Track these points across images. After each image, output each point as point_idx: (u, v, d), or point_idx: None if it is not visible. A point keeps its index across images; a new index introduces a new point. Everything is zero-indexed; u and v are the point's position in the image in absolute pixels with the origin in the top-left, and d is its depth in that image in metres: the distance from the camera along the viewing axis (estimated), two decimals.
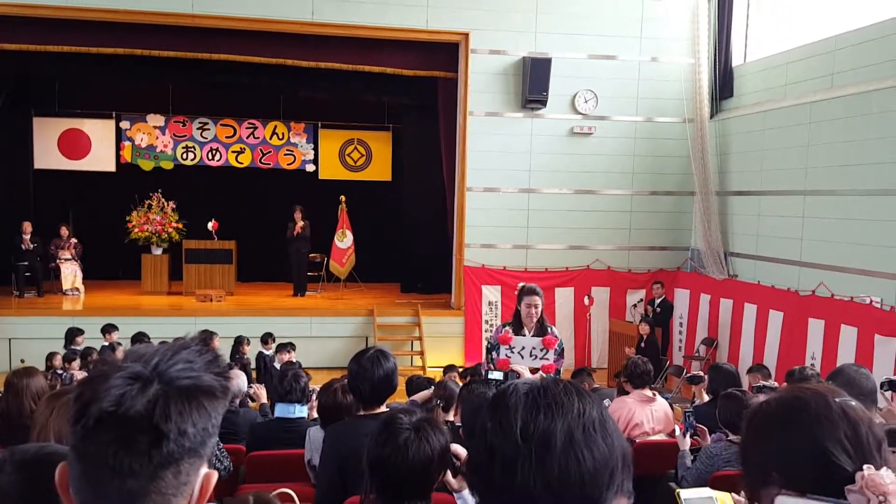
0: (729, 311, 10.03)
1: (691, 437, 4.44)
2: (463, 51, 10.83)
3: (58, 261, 12.12)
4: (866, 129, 7.96)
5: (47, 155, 13.28)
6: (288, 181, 13.98)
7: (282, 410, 4.37)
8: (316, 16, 10.34)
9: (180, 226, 12.77)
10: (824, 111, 8.62)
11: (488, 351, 5.28)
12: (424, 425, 2.23)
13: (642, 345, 9.42)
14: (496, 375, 4.42)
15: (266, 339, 8.83)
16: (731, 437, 4.06)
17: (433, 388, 4.98)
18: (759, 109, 9.93)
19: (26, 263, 11.74)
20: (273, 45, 10.61)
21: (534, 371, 5.03)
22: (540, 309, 5.17)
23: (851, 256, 8.13)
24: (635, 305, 11.21)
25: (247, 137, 13.68)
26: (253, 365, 8.76)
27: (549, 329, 5.24)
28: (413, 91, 12.04)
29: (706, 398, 5.67)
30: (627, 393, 5.20)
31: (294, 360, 8.01)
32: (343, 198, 13.14)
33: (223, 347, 8.53)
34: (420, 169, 12.85)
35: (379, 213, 14.06)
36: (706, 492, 2.55)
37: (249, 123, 13.69)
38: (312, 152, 13.96)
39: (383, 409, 3.06)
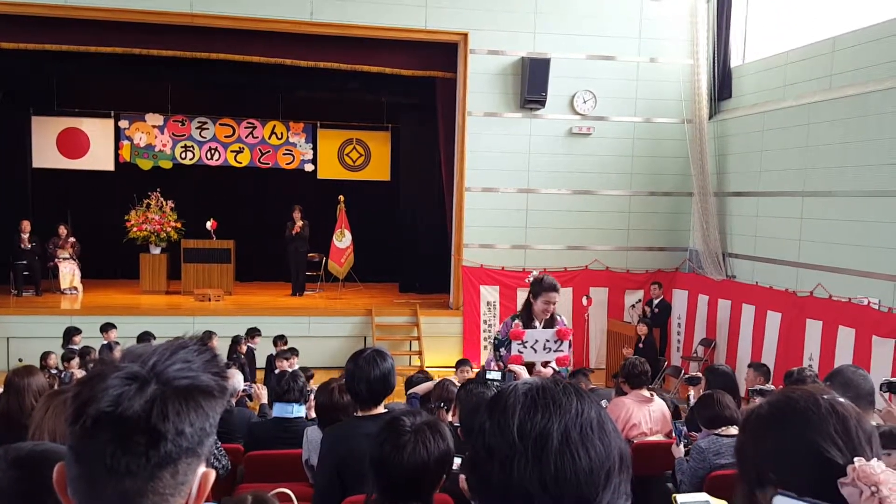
0: (727, 311, 10.04)
1: (685, 446, 4.48)
2: (462, 51, 10.83)
3: (56, 260, 12.12)
4: (864, 130, 7.97)
5: (46, 154, 13.27)
6: (287, 181, 13.99)
7: (280, 410, 4.38)
8: (315, 16, 10.34)
9: (179, 225, 12.78)
10: (823, 112, 8.63)
11: (496, 347, 4.95)
12: (424, 428, 2.23)
13: (640, 345, 9.43)
14: (494, 375, 4.41)
15: (276, 341, 8.82)
16: (716, 430, 4.16)
17: (435, 386, 4.97)
18: (758, 110, 9.94)
19: (24, 262, 11.74)
20: (272, 45, 10.61)
21: (546, 364, 4.81)
22: (556, 306, 4.87)
23: (849, 258, 8.14)
24: (633, 306, 11.22)
25: (246, 137, 13.69)
26: (261, 364, 8.78)
27: (558, 318, 4.95)
28: (412, 91, 12.05)
29: None
30: (625, 393, 5.21)
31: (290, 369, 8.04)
32: (342, 197, 13.14)
33: (221, 347, 8.56)
34: (419, 169, 12.86)
35: (377, 213, 14.07)
36: (703, 496, 2.56)
37: (248, 123, 13.69)
38: (311, 152, 13.97)
39: (381, 409, 3.06)
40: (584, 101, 11.04)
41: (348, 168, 14.24)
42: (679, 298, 11.06)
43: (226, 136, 13.64)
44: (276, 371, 7.73)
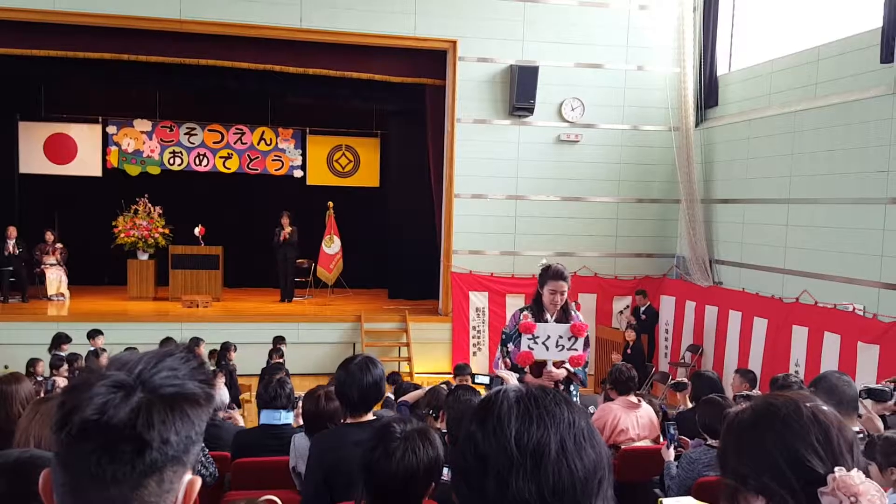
0: (714, 317, 10.10)
1: (675, 448, 4.48)
2: (451, 58, 10.87)
3: (43, 266, 12.04)
4: (849, 138, 8.05)
5: (33, 159, 13.20)
6: (275, 187, 13.97)
7: (267, 417, 4.36)
8: (304, 22, 10.36)
9: (167, 231, 12.74)
10: (808, 120, 8.72)
11: (503, 343, 4.53)
12: (414, 435, 2.24)
13: (628, 351, 9.47)
14: (483, 380, 4.43)
15: (276, 342, 8.88)
16: (710, 441, 4.11)
17: (426, 393, 4.96)
18: (744, 118, 10.02)
19: (11, 269, 11.65)
20: (261, 51, 10.62)
21: (559, 364, 4.37)
22: (566, 296, 4.45)
23: (834, 264, 8.21)
24: (621, 312, 11.27)
25: (234, 143, 13.67)
26: (242, 371, 8.73)
27: (573, 313, 4.52)
28: (401, 97, 12.08)
29: (690, 405, 5.71)
30: (613, 399, 5.23)
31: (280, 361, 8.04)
32: (331, 204, 13.14)
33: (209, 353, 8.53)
34: (408, 175, 12.88)
35: (367, 219, 14.07)
36: (689, 500, 2.58)
37: (237, 129, 13.67)
38: (300, 158, 13.96)
39: (370, 416, 3.07)
40: (573, 109, 11.10)
41: (337, 174, 14.25)
42: (666, 305, 11.12)
43: (214, 142, 13.62)
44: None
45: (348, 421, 3.05)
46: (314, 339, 10.75)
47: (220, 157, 13.61)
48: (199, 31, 10.22)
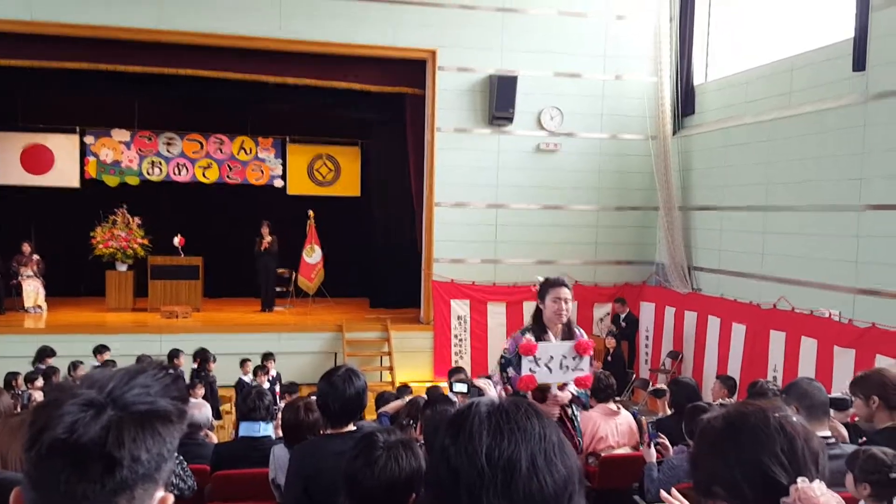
0: (693, 324, 10.19)
1: (655, 447, 4.50)
2: (430, 67, 10.91)
3: (20, 278, 11.89)
4: (823, 146, 8.18)
5: (9, 170, 13.04)
6: (256, 196, 13.92)
7: (246, 429, 4.34)
8: (283, 32, 10.36)
9: (146, 241, 12.64)
10: (783, 129, 8.84)
11: (502, 368, 4.22)
12: (398, 445, 2.25)
13: (609, 358, 9.53)
14: (460, 388, 4.41)
15: (264, 359, 8.78)
16: None
17: (406, 404, 4.96)
18: (720, 127, 10.15)
19: None
20: (240, 61, 10.60)
21: (563, 387, 4.11)
22: (570, 306, 4.17)
23: (810, 270, 8.32)
24: (602, 319, 11.34)
25: (214, 152, 13.61)
26: (222, 382, 8.67)
27: (577, 330, 4.28)
28: (381, 107, 12.10)
29: (669, 412, 5.75)
30: (592, 407, 5.25)
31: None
32: (311, 213, 13.12)
33: (189, 364, 8.46)
34: (389, 184, 12.89)
35: (348, 229, 14.05)
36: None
37: (216, 138, 13.61)
38: (280, 167, 13.93)
39: (351, 427, 3.07)
40: (552, 118, 11.18)
41: (318, 183, 14.22)
42: (646, 311, 11.20)
43: (194, 152, 13.55)
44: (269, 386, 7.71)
45: (329, 432, 3.05)
46: (295, 349, 10.69)
47: (200, 167, 13.54)
48: (178, 40, 10.18)
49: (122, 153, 13.33)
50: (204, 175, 13.57)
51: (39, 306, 11.89)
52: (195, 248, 12.63)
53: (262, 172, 13.81)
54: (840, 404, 4.17)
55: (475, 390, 4.00)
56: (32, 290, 11.89)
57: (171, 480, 1.01)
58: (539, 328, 4.19)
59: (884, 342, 7.13)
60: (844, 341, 7.60)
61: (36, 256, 12.10)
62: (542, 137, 11.19)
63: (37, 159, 13.15)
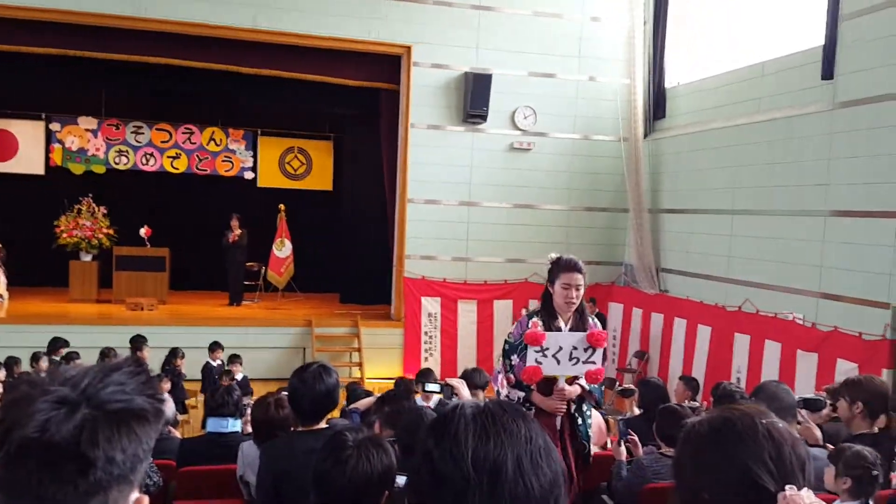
0: (660, 325, 10.31)
1: (625, 445, 4.54)
2: (405, 63, 10.88)
3: None
4: (790, 152, 8.32)
5: None
6: (225, 188, 13.75)
7: (214, 425, 4.29)
8: (258, 23, 10.24)
9: (111, 231, 12.41)
10: (751, 134, 8.98)
11: (506, 355, 3.88)
12: (368, 444, 2.24)
13: None
14: (432, 388, 4.36)
15: (213, 347, 8.67)
16: (664, 449, 4.18)
17: (375, 401, 4.93)
18: (690, 130, 10.27)
19: None
20: (213, 51, 10.45)
21: (573, 381, 3.80)
22: (582, 292, 3.82)
23: (775, 274, 8.46)
24: None
25: (183, 143, 13.41)
26: (190, 376, 8.57)
27: (590, 319, 3.93)
28: (355, 101, 12.03)
29: (637, 411, 5.81)
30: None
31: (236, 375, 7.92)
32: (282, 206, 13.01)
33: (153, 358, 8.34)
34: (361, 179, 12.83)
35: (319, 223, 13.96)
36: None
37: (186, 128, 13.42)
38: (251, 159, 13.77)
39: (322, 424, 3.05)
40: (525, 117, 11.21)
41: (290, 177, 14.10)
42: (615, 312, 11.31)
43: (162, 142, 13.33)
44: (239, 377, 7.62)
45: (300, 429, 3.03)
46: (263, 344, 10.61)
47: (168, 157, 13.34)
48: (150, 28, 10.00)
49: (89, 141, 13.07)
50: (172, 165, 13.36)
51: (1, 296, 11.61)
52: (162, 239, 12.44)
53: (232, 164, 13.65)
54: (814, 405, 4.26)
55: (448, 389, 3.98)
56: None
57: (145, 481, 0.99)
58: (548, 314, 3.81)
59: (845, 347, 7.28)
60: (807, 345, 7.75)
61: None
62: (515, 136, 11.23)
63: (0, 145, 12.83)
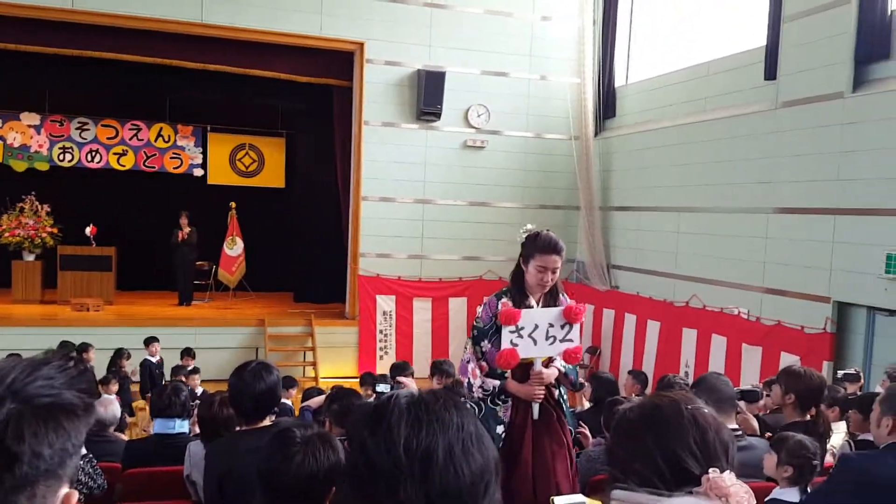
0: (611, 320, 10.48)
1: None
2: (358, 60, 10.82)
3: None
4: (735, 150, 8.52)
5: None
6: (174, 185, 13.48)
7: (161, 426, 4.21)
8: (206, 18, 10.06)
9: (55, 230, 12.05)
10: (697, 133, 9.17)
11: (475, 341, 3.55)
12: (315, 440, 2.22)
13: None
14: (383, 388, 4.34)
15: (183, 354, 8.47)
16: None
17: (325, 399, 4.90)
18: (639, 129, 10.45)
19: None
20: (159, 45, 10.25)
21: (549, 363, 3.50)
22: (558, 275, 3.46)
23: (721, 270, 8.67)
24: None
25: (130, 139, 13.09)
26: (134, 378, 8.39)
27: (562, 296, 3.55)
28: (307, 97, 11.92)
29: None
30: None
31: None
32: (233, 204, 12.82)
33: (100, 360, 8.15)
34: (314, 176, 12.72)
35: (271, 221, 13.79)
36: (579, 498, 2.67)
37: (133, 125, 13.10)
38: (201, 156, 13.51)
39: (266, 423, 3.02)
40: (479, 115, 11.27)
41: (241, 174, 13.89)
42: None
43: (108, 138, 13.00)
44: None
45: (243, 428, 3.00)
46: (215, 344, 10.43)
47: (115, 154, 13.01)
48: (94, 21, 9.75)
49: (32, 137, 12.68)
50: (119, 162, 13.04)
51: None
52: (108, 237, 12.15)
53: (181, 161, 13.38)
54: (750, 396, 4.38)
55: (398, 386, 3.99)
56: None
57: (78, 478, 0.97)
58: (518, 292, 3.48)
59: (788, 340, 7.51)
60: (752, 339, 7.97)
61: None
62: (469, 134, 11.27)
63: None
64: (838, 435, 4.06)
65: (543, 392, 3.47)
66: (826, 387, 3.87)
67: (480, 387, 3.50)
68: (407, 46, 10.89)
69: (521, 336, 3.35)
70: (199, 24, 10.06)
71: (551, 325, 3.40)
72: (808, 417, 3.58)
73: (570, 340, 3.45)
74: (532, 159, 11.55)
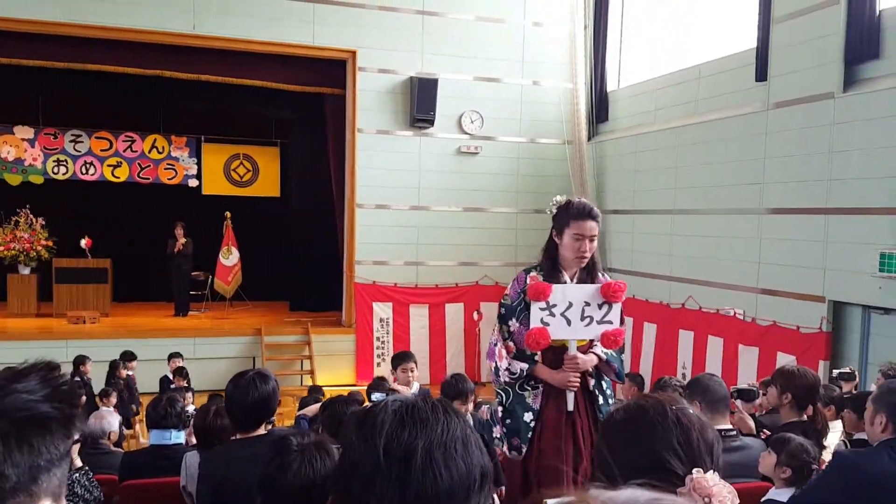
0: None
1: None
2: (350, 68, 10.85)
3: None
4: (727, 152, 8.55)
5: None
6: (169, 197, 13.48)
7: (157, 437, 4.21)
8: (197, 28, 10.08)
9: (50, 243, 12.04)
10: (689, 135, 9.21)
11: (502, 320, 3.24)
12: (311, 448, 2.23)
13: None
14: (378, 397, 4.33)
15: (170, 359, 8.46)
16: None
17: (319, 407, 4.90)
18: (631, 133, 10.48)
19: None
20: (152, 57, 10.26)
21: (588, 348, 3.17)
22: (595, 244, 3.14)
23: (715, 271, 8.69)
24: None
25: (124, 151, 13.09)
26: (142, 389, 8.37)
27: (601, 274, 3.25)
28: (301, 106, 11.94)
29: None
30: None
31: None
32: (228, 214, 12.81)
33: (97, 372, 8.14)
34: (309, 185, 12.73)
35: (267, 230, 13.78)
36: (571, 498, 2.66)
37: (127, 136, 13.10)
38: (195, 167, 13.51)
39: (261, 431, 3.02)
40: (472, 122, 11.30)
41: (235, 184, 13.89)
42: None
43: (102, 150, 13.00)
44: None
45: (238, 437, 3.00)
46: (212, 354, 10.43)
47: (109, 166, 13.00)
48: (86, 34, 9.77)
49: (26, 151, 12.67)
50: (113, 174, 13.03)
51: None
52: (103, 250, 12.13)
53: (176, 172, 13.38)
54: (747, 395, 4.39)
55: (393, 394, 3.98)
56: None
57: (74, 490, 0.96)
58: (552, 267, 3.15)
59: (784, 340, 7.52)
60: (748, 339, 7.98)
61: None
62: (462, 140, 11.29)
63: None
64: (834, 434, 4.07)
65: (579, 380, 3.12)
66: (820, 384, 3.88)
67: (507, 369, 3.17)
68: (399, 54, 10.92)
69: (552, 314, 3.00)
70: (191, 35, 10.08)
71: (587, 304, 3.05)
72: (805, 417, 3.59)
73: (610, 322, 3.10)
74: (526, 164, 11.58)
